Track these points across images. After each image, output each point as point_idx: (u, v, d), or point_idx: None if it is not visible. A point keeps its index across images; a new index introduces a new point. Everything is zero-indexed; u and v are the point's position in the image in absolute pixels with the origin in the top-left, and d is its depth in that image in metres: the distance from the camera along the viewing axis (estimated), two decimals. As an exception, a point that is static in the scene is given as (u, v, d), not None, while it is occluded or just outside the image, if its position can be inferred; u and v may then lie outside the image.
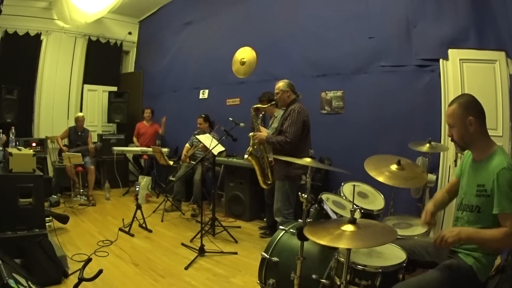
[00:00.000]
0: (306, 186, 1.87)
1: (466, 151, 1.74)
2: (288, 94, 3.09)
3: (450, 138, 1.67)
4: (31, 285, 1.98)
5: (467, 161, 1.72)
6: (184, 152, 4.99)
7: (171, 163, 5.09)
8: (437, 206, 1.87)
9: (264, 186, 3.41)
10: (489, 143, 1.58)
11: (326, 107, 4.17)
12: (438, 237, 1.51)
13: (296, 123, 2.91)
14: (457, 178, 1.81)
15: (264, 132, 3.21)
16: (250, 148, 3.28)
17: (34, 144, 5.30)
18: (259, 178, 3.36)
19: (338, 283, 1.60)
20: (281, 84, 3.12)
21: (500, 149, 1.55)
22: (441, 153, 3.25)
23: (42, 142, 5.48)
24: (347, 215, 1.95)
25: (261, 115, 3.53)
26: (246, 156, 3.33)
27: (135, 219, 3.85)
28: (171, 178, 5.07)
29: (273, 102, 3.28)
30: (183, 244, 3.44)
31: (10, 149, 2.95)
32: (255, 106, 3.40)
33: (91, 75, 6.67)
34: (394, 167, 2.09)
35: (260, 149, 3.31)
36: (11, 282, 1.80)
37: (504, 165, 1.45)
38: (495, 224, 1.47)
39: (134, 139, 6.11)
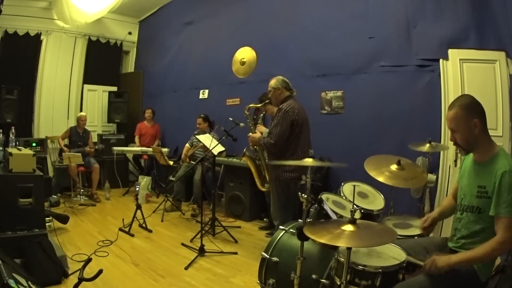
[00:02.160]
0: (306, 186, 1.87)
1: None
2: (280, 91, 2.90)
3: (452, 142, 1.64)
4: (31, 285, 1.98)
5: (467, 162, 1.71)
6: (184, 151, 5.00)
7: (171, 163, 5.10)
8: (443, 213, 1.87)
9: (262, 189, 3.38)
10: (491, 144, 1.58)
11: (326, 107, 4.17)
12: (429, 263, 1.52)
13: (281, 124, 2.72)
14: (457, 183, 1.80)
15: (257, 133, 3.13)
16: (245, 150, 3.25)
17: (34, 145, 5.29)
18: (256, 180, 3.33)
19: (338, 283, 1.60)
20: (272, 82, 2.96)
21: (502, 151, 1.55)
22: (441, 153, 3.25)
23: (42, 142, 5.47)
24: (347, 215, 1.96)
25: (261, 114, 3.51)
26: (242, 158, 3.31)
27: (135, 219, 3.85)
28: (171, 178, 5.07)
29: (267, 101, 3.18)
30: (183, 244, 3.44)
31: (10, 149, 2.95)
32: (249, 106, 3.38)
33: (91, 75, 6.67)
34: (394, 167, 2.09)
35: (256, 150, 3.25)
36: (11, 282, 1.80)
37: (507, 168, 1.45)
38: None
39: (136, 138, 6.10)
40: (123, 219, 3.95)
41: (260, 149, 3.19)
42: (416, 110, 3.48)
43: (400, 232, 2.13)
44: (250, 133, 3.16)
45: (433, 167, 3.17)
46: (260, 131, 3.57)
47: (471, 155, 1.69)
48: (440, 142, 3.16)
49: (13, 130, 3.69)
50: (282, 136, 2.73)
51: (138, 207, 3.87)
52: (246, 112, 3.31)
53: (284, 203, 2.88)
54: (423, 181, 2.30)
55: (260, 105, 3.37)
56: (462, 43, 3.17)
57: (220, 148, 3.64)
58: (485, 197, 1.51)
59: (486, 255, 1.45)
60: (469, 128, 1.53)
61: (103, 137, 6.16)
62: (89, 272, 1.93)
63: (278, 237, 2.16)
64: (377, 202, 2.59)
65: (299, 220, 2.24)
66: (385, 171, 2.05)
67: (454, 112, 1.56)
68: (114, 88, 6.89)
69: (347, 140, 3.92)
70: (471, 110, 1.54)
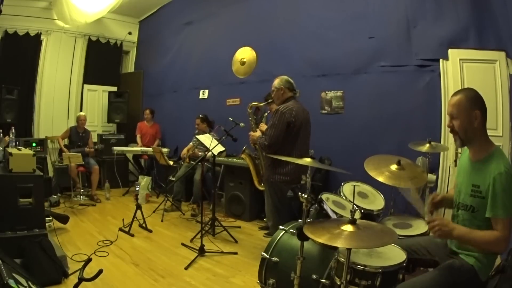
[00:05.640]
0: (306, 186, 1.87)
1: (463, 149, 1.72)
2: (282, 92, 2.87)
3: (449, 130, 1.62)
4: (31, 285, 1.98)
5: (463, 159, 1.71)
6: (184, 150, 4.99)
7: (171, 163, 5.10)
8: (450, 198, 1.78)
9: (259, 187, 3.38)
10: (488, 143, 1.57)
11: (326, 107, 4.17)
12: (432, 223, 1.49)
13: (276, 126, 2.68)
14: (456, 179, 1.79)
15: (258, 132, 3.14)
16: (244, 147, 3.25)
17: (34, 145, 5.29)
18: (254, 178, 3.33)
19: (338, 283, 1.60)
20: (276, 82, 2.94)
21: (498, 151, 1.54)
22: (441, 153, 3.25)
23: (42, 142, 5.47)
24: (347, 215, 1.96)
25: (266, 113, 3.53)
26: (241, 155, 3.31)
27: (135, 219, 3.85)
28: (171, 178, 5.07)
29: (270, 100, 3.18)
30: (183, 244, 3.44)
31: (10, 149, 2.95)
32: (252, 104, 3.38)
33: (91, 75, 6.67)
34: (394, 167, 2.09)
35: (256, 149, 3.24)
36: (11, 282, 1.80)
37: (501, 169, 1.44)
38: (489, 225, 1.47)
39: (138, 137, 6.09)
40: (123, 219, 3.95)
41: (259, 147, 3.20)
42: (416, 110, 3.48)
43: (400, 232, 2.14)
44: (251, 132, 3.17)
45: (433, 167, 3.17)
46: (262, 129, 3.57)
47: (466, 152, 1.68)
48: (440, 142, 3.16)
49: (13, 130, 3.69)
50: (277, 138, 2.68)
51: (138, 207, 3.87)
52: (248, 110, 3.31)
53: (276, 205, 2.83)
54: (423, 181, 2.30)
55: (263, 104, 3.37)
56: (462, 43, 3.17)
57: (220, 148, 3.64)
58: (479, 197, 1.50)
59: (481, 243, 1.45)
60: (469, 118, 1.53)
61: (103, 137, 6.16)
62: (89, 272, 1.93)
63: (278, 237, 2.16)
64: (377, 202, 2.59)
65: (299, 220, 2.24)
66: (385, 171, 2.04)
67: (458, 98, 1.56)
68: (114, 88, 6.89)
69: (347, 140, 3.92)
70: (475, 101, 1.54)
